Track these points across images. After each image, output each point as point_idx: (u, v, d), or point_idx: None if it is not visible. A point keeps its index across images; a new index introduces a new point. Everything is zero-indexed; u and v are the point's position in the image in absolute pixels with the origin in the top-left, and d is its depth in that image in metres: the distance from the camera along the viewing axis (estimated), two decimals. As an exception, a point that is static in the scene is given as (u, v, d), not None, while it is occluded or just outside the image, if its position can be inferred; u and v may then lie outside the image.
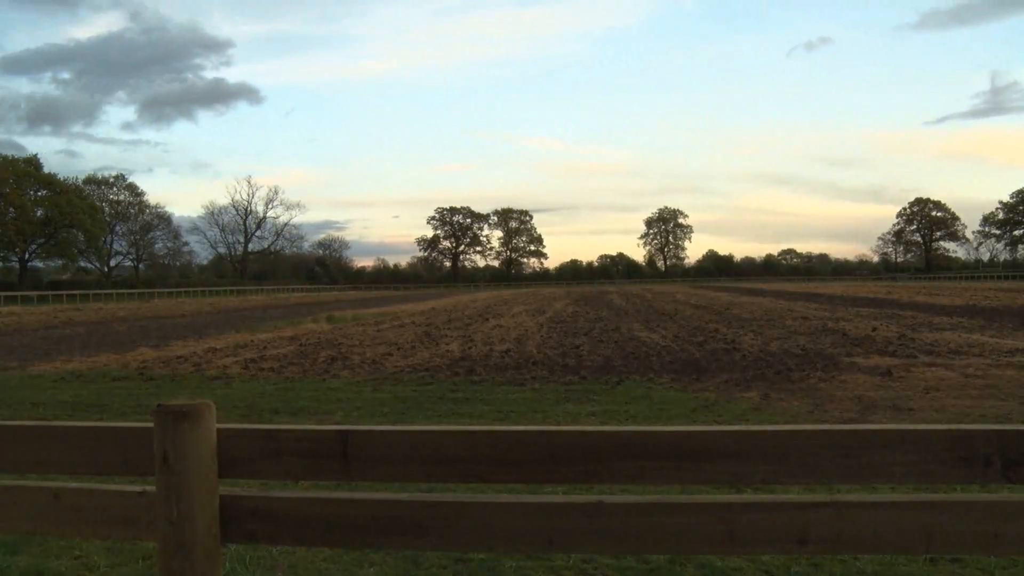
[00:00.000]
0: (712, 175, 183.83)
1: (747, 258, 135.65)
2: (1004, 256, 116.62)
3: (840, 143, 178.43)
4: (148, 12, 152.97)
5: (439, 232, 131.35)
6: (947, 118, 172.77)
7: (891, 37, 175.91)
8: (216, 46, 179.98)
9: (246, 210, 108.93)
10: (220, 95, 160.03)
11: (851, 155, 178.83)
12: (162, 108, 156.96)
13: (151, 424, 1.88)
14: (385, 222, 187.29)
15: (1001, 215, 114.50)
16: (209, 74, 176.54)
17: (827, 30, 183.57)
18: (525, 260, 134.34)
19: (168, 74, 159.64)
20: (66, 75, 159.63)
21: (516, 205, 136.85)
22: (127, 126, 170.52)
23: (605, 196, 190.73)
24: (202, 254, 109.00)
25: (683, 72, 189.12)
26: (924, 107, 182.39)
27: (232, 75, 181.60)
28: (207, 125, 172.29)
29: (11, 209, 74.64)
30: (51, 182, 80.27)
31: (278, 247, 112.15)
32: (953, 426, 1.79)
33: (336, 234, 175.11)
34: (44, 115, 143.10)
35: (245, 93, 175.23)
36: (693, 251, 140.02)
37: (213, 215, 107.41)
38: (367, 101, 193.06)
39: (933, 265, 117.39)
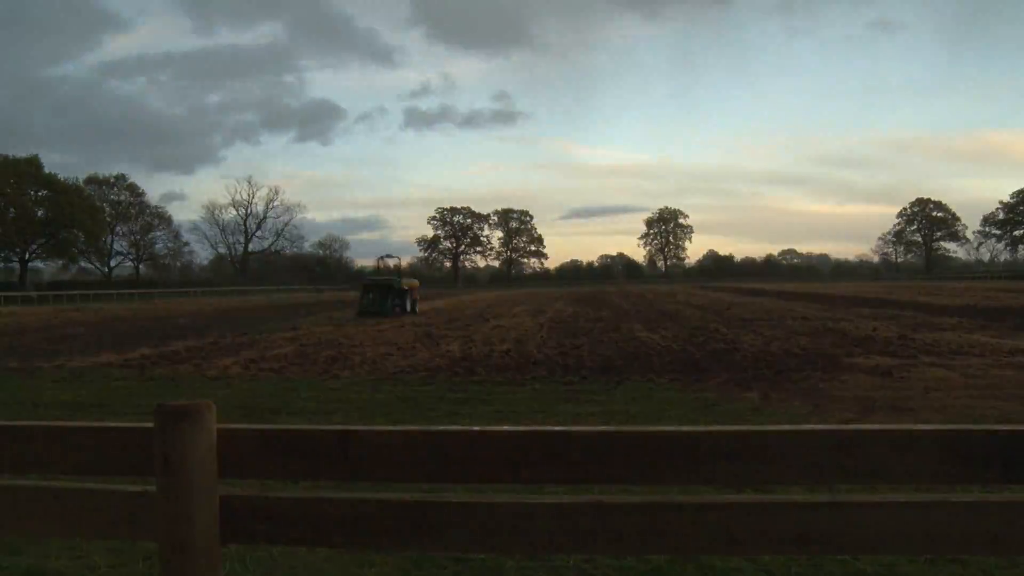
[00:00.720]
0: (715, 176, 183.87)
1: (747, 258, 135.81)
2: (1004, 256, 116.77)
3: (854, 145, 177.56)
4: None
5: (439, 232, 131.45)
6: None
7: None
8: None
9: (246, 210, 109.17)
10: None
11: (863, 156, 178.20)
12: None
13: (151, 424, 1.88)
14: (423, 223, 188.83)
15: (1001, 215, 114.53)
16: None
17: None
18: (525, 260, 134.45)
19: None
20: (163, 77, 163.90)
21: (522, 206, 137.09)
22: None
23: (607, 196, 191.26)
24: (202, 254, 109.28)
25: (688, 75, 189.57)
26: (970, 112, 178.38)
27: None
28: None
29: (11, 209, 74.72)
30: (51, 182, 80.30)
31: (279, 247, 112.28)
32: (953, 426, 1.79)
33: (370, 235, 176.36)
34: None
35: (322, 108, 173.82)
36: (693, 251, 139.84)
37: (213, 215, 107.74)
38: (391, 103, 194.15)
39: (933, 265, 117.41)
